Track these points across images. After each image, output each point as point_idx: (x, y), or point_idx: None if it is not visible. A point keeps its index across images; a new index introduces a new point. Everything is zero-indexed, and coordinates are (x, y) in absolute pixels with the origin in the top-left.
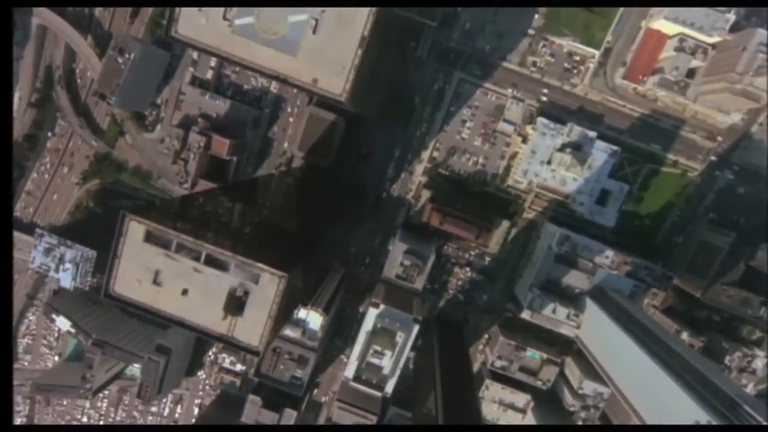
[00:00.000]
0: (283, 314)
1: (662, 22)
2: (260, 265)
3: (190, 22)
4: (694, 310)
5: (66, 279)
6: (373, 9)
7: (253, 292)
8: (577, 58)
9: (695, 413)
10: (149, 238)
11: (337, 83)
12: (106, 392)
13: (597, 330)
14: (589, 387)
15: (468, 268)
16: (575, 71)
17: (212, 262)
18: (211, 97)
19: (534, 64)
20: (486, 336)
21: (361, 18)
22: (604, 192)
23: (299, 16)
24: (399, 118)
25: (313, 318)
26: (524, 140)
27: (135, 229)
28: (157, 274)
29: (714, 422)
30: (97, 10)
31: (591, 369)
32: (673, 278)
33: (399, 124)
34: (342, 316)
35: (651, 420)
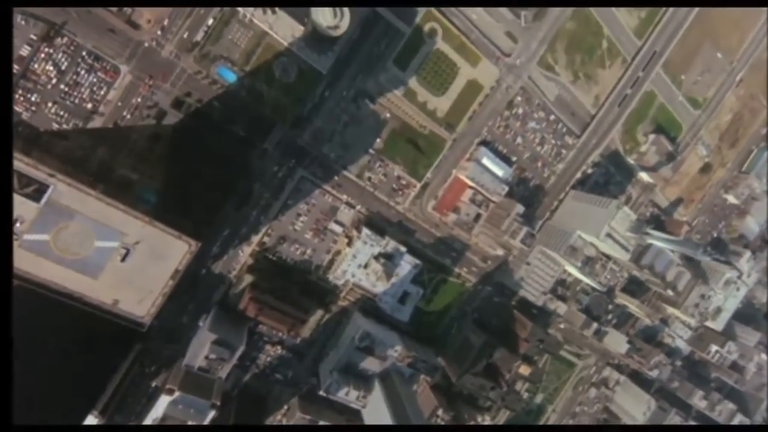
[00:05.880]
0: None
1: (465, 177)
2: None
3: None
4: (452, 387)
5: None
6: (192, 247)
7: None
8: (404, 182)
9: None
10: None
11: (141, 307)
12: None
13: (375, 406)
14: None
15: (279, 347)
16: (400, 193)
17: None
18: None
19: (369, 179)
20: (286, 407)
21: (178, 253)
22: (404, 293)
23: (108, 242)
24: (234, 199)
25: (89, 419)
26: (349, 242)
27: None
28: None
29: None
30: None
31: None
32: (439, 369)
33: (232, 205)
34: (129, 392)
35: None
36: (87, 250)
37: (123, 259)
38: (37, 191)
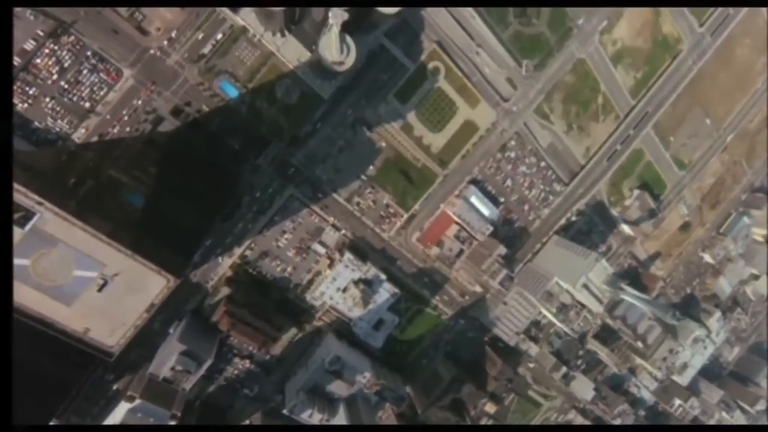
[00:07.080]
0: None
1: (452, 213)
2: None
3: None
4: (416, 417)
5: None
6: (171, 282)
7: None
8: (392, 211)
9: None
10: None
11: (111, 337)
12: None
13: None
14: None
15: (248, 361)
16: (387, 221)
17: None
18: None
19: (358, 204)
20: (248, 421)
21: (156, 287)
22: (380, 320)
23: (87, 272)
24: (221, 210)
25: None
26: (331, 264)
27: None
28: None
29: None
30: None
31: None
32: (406, 398)
33: (220, 216)
34: (88, 393)
35: None
36: (65, 278)
37: (100, 290)
38: (23, 217)
